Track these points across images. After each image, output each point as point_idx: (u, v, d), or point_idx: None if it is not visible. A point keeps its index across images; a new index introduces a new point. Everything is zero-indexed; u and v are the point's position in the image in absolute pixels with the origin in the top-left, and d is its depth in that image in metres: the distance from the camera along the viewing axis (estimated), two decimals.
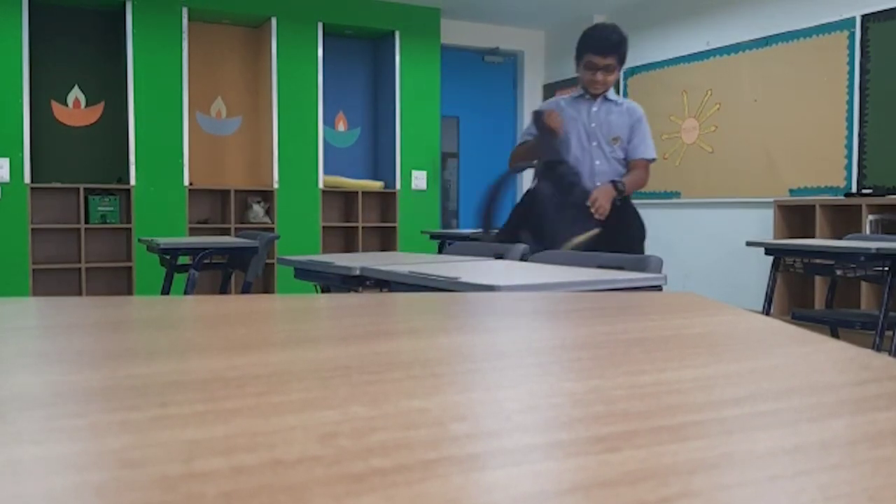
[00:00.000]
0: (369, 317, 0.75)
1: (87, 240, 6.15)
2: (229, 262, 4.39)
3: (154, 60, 6.24)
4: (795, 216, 5.76)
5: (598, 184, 3.20)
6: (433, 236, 6.21)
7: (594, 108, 3.28)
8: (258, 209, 6.73)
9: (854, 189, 5.52)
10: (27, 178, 5.87)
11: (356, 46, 7.38)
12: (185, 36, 6.35)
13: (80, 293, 6.14)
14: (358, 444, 0.33)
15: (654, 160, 3.31)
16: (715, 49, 6.60)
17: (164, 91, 6.26)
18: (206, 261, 4.06)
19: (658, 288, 1.73)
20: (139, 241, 4.79)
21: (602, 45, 3.18)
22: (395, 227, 7.19)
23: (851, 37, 5.56)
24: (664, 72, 7.11)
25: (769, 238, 5.74)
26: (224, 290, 4.73)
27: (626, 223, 3.21)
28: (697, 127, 6.75)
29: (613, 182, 3.17)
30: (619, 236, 3.05)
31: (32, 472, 0.29)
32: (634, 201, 3.35)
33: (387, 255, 2.73)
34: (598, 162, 3.25)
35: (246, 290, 4.22)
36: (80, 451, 0.32)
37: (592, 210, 3.04)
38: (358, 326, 0.68)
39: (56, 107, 6.30)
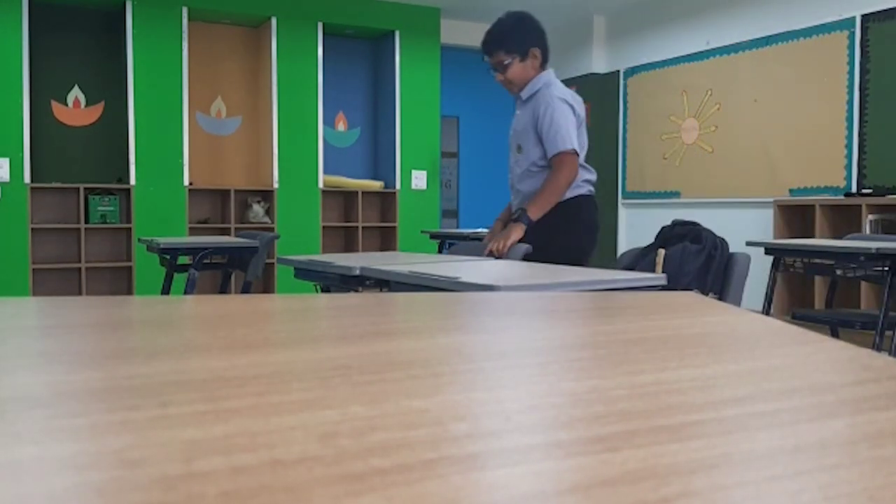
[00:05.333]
0: (369, 317, 0.75)
1: (87, 240, 6.15)
2: (229, 262, 4.39)
3: (154, 60, 6.24)
4: (795, 216, 5.76)
5: (525, 207, 2.79)
6: (433, 236, 6.20)
7: (518, 113, 2.99)
8: (258, 209, 6.73)
9: (854, 189, 5.52)
10: (27, 178, 5.87)
11: (356, 46, 7.38)
12: (185, 36, 6.35)
13: (80, 293, 6.14)
14: (358, 443, 0.33)
15: (568, 152, 2.76)
16: (715, 49, 6.60)
17: (164, 91, 6.26)
18: (206, 261, 4.06)
19: (658, 288, 1.73)
20: (139, 240, 4.79)
21: (484, 46, 2.88)
22: (394, 227, 7.19)
23: (851, 37, 5.56)
24: (664, 72, 7.11)
25: (769, 238, 5.74)
26: (224, 290, 4.73)
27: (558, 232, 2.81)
28: (697, 127, 6.75)
29: (515, 220, 2.76)
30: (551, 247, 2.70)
31: (32, 472, 0.29)
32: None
33: (387, 255, 2.73)
34: (515, 179, 2.96)
35: (246, 289, 4.22)
36: (80, 450, 0.32)
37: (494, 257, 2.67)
38: (358, 326, 0.68)
39: (56, 106, 6.30)
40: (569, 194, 2.82)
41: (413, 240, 6.93)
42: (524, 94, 2.89)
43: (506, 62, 2.83)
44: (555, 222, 2.79)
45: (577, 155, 2.80)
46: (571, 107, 2.85)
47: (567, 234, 2.82)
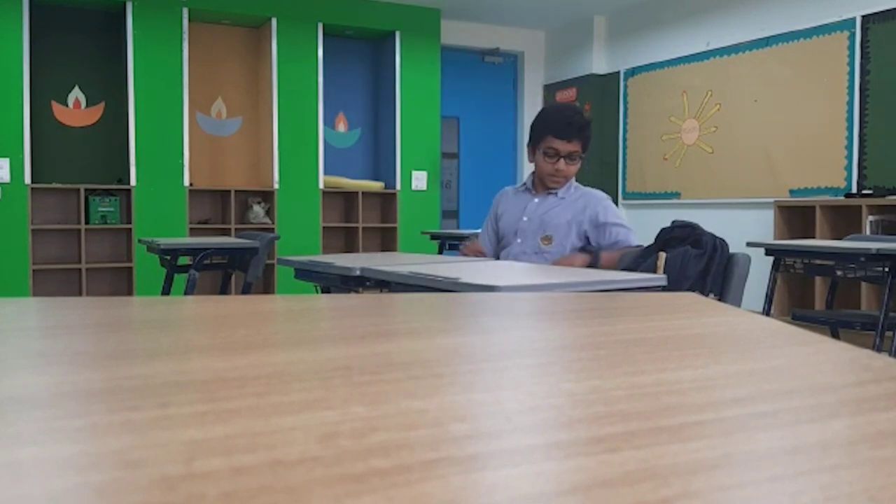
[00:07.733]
0: (369, 317, 0.75)
1: (88, 240, 6.15)
2: (229, 262, 4.39)
3: (154, 61, 6.24)
4: (795, 217, 5.76)
5: (600, 253, 2.70)
6: (433, 237, 6.20)
7: (535, 200, 2.77)
8: (258, 210, 6.73)
9: (854, 190, 5.52)
10: (27, 179, 5.87)
11: (356, 47, 7.38)
12: (185, 36, 6.35)
13: (80, 294, 6.14)
14: (358, 444, 0.33)
15: (639, 246, 2.62)
16: (715, 49, 6.60)
17: (164, 91, 6.26)
18: (206, 261, 4.06)
19: (658, 289, 1.73)
20: (139, 241, 4.79)
21: (568, 128, 2.66)
22: (395, 228, 7.19)
23: (851, 37, 5.56)
24: (664, 72, 7.11)
25: (769, 239, 5.74)
26: (224, 290, 4.73)
27: None
28: (697, 127, 6.75)
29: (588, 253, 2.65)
30: None
31: (33, 472, 0.29)
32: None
33: (387, 256, 2.73)
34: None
35: (246, 290, 4.22)
36: (80, 451, 0.32)
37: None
38: (358, 327, 0.68)
39: (56, 107, 6.30)
40: None
41: (413, 240, 6.93)
42: (561, 192, 2.78)
43: (578, 157, 2.76)
44: None
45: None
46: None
47: None
